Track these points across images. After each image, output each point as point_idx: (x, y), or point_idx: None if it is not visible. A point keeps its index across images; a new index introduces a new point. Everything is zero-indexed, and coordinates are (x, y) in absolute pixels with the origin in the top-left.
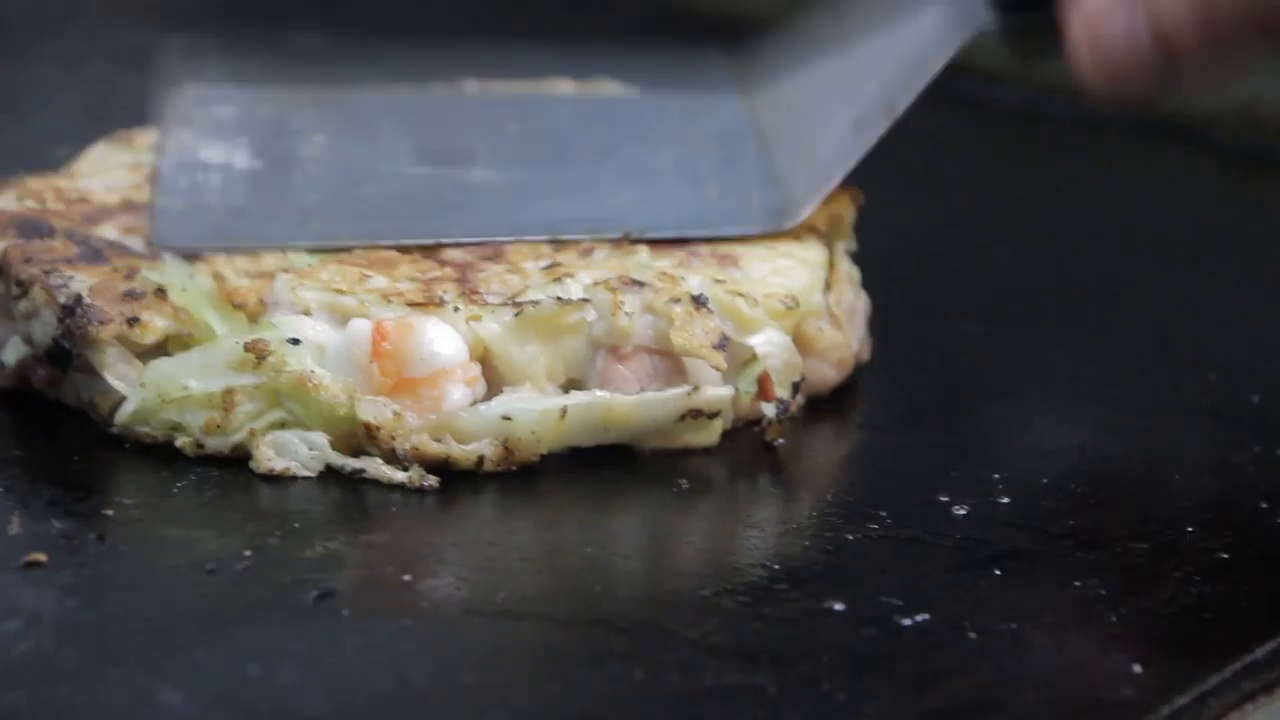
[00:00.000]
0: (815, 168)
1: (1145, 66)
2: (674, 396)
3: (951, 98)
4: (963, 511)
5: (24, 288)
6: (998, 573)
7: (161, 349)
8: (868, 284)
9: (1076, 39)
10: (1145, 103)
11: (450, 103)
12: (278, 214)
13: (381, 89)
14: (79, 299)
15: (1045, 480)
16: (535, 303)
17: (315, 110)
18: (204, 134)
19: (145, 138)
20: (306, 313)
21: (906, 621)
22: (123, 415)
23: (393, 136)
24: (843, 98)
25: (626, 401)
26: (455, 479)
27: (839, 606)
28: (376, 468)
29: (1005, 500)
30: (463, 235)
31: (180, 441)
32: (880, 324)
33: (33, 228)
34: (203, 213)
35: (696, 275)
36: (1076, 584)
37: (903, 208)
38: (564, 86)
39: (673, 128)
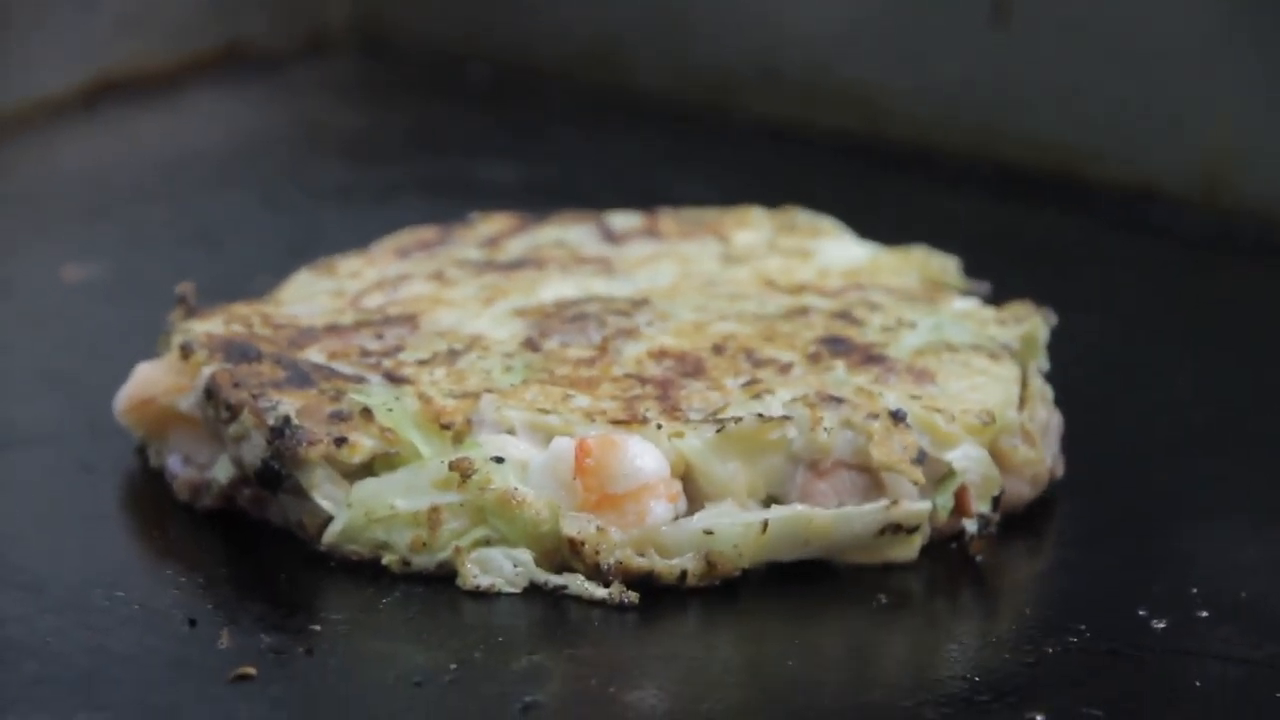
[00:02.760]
0: None
1: None
2: (873, 511)
3: (1138, 224)
4: (1161, 625)
5: (233, 411)
6: (1198, 684)
7: (368, 469)
8: (1060, 403)
9: None
10: None
11: None
12: None
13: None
14: (287, 420)
15: (1244, 594)
16: (737, 419)
17: None
18: None
19: (347, 265)
20: (510, 432)
21: None
22: (330, 534)
23: None
24: None
25: (826, 515)
26: (656, 595)
27: (1040, 718)
28: (578, 584)
29: (1204, 614)
30: None
31: (386, 559)
32: (1073, 441)
33: (240, 352)
34: None
35: (893, 391)
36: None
37: (1091, 329)
38: (757, 215)
39: None
